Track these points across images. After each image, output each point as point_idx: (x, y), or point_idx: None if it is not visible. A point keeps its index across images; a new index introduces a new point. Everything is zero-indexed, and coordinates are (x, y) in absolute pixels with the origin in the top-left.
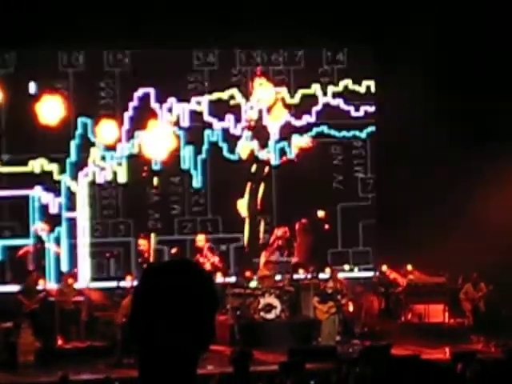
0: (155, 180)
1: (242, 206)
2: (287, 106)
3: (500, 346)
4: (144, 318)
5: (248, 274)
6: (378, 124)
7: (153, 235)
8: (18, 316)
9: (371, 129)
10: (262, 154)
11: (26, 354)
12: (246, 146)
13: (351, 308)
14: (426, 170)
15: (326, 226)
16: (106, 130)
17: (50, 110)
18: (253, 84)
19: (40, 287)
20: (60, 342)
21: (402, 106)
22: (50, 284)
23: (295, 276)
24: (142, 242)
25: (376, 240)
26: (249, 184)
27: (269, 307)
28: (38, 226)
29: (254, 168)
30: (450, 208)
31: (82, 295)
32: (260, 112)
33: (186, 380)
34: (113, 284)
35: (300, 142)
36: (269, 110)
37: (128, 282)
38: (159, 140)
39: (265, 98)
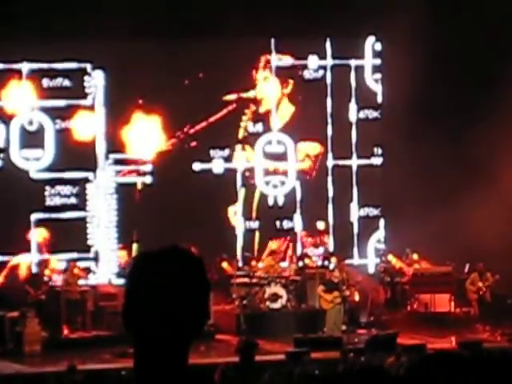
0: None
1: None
2: (294, 102)
3: (506, 335)
4: (136, 305)
5: (254, 263)
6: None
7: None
8: (25, 305)
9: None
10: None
11: (32, 343)
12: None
13: (357, 298)
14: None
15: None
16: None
17: None
18: (256, 77)
19: (45, 278)
20: (66, 331)
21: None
22: (56, 275)
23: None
24: (121, 254)
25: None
26: (243, 190)
27: (275, 297)
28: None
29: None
30: (455, 197)
31: (87, 285)
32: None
33: (178, 365)
34: None
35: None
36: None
37: None
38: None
39: (269, 96)
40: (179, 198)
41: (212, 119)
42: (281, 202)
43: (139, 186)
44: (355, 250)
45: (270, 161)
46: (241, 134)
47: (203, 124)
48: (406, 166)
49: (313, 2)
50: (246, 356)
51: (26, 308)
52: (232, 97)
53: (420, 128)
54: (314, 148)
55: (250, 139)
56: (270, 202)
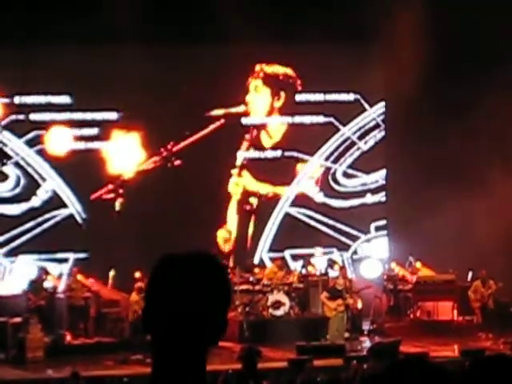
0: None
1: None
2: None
3: (509, 343)
4: (157, 309)
5: (257, 270)
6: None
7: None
8: (27, 312)
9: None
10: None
11: (35, 349)
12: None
13: (360, 305)
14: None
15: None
16: None
17: None
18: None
19: (49, 284)
20: (69, 337)
21: None
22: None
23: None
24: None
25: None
26: (237, 216)
27: (277, 304)
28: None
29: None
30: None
31: (90, 292)
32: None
33: (196, 373)
34: None
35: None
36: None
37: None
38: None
39: (259, 107)
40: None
41: (197, 136)
42: None
43: (117, 208)
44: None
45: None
46: (239, 161)
47: (187, 141)
48: (408, 175)
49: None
50: (249, 363)
51: (29, 314)
52: (219, 112)
53: (422, 133)
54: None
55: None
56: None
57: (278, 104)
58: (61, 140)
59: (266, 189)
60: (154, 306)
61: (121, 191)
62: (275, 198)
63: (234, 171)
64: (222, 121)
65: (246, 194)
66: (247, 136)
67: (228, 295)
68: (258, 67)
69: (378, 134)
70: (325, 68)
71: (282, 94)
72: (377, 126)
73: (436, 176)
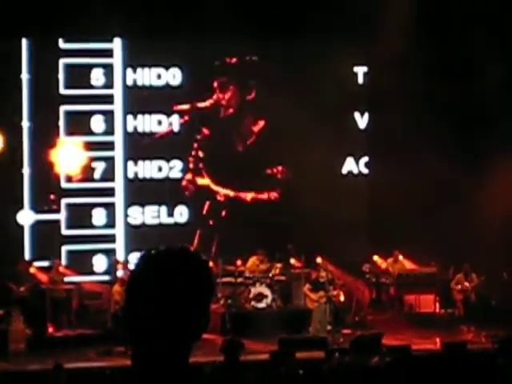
0: None
1: None
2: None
3: (490, 336)
4: (139, 304)
5: (239, 262)
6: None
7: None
8: (9, 303)
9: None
10: None
11: (17, 341)
12: None
13: (342, 298)
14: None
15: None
16: None
17: None
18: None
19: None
20: (51, 329)
21: None
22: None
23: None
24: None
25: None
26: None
27: (260, 296)
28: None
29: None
30: (442, 200)
31: (72, 283)
32: None
33: (179, 367)
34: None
35: None
36: None
37: (119, 271)
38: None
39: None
40: None
41: (161, 133)
42: None
43: None
44: None
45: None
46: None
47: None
48: (391, 173)
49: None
50: (231, 356)
51: (11, 306)
52: (184, 107)
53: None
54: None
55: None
56: None
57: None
58: None
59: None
60: (134, 302)
61: None
62: None
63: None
64: (186, 118)
65: None
66: None
67: (210, 291)
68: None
69: None
70: None
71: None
72: None
73: (421, 169)
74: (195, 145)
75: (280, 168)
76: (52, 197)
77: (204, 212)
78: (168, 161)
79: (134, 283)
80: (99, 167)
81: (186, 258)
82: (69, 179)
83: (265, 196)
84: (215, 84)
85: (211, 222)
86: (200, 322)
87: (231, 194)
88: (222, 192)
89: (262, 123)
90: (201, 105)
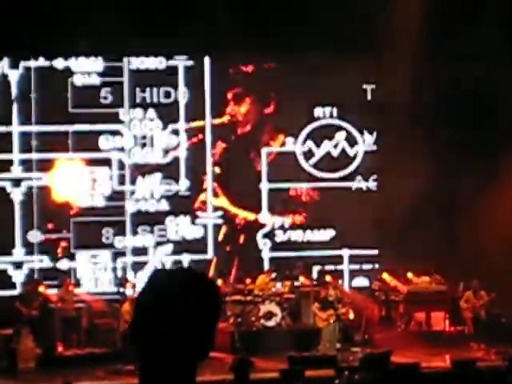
0: None
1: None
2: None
3: (500, 353)
4: (146, 323)
5: (248, 281)
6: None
7: None
8: (19, 322)
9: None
10: None
11: (27, 360)
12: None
13: (352, 316)
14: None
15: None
16: None
17: None
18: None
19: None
20: (60, 348)
21: None
22: (50, 291)
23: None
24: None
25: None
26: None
27: (269, 314)
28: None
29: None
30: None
31: (82, 302)
32: None
33: None
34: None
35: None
36: None
37: (128, 290)
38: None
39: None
40: None
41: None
42: None
43: None
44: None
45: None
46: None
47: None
48: (399, 187)
49: None
50: (241, 374)
51: (21, 325)
52: (199, 124)
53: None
54: None
55: None
56: None
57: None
58: None
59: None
60: (141, 320)
61: None
62: None
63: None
64: (201, 136)
65: None
66: None
67: (216, 312)
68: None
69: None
70: None
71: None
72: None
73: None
74: (211, 159)
75: (304, 189)
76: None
77: (219, 239)
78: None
79: (141, 301)
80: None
81: (193, 276)
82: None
83: (289, 220)
84: (229, 95)
85: (228, 248)
86: (206, 341)
87: (251, 217)
88: (242, 215)
89: (281, 138)
90: (216, 121)
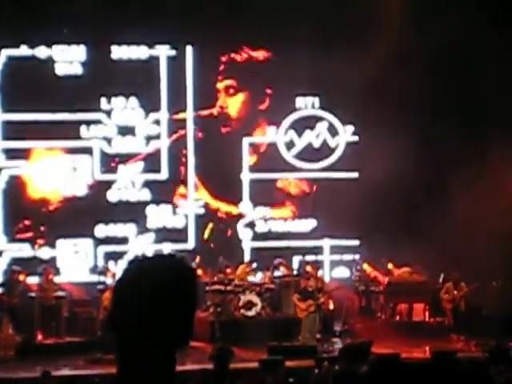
0: None
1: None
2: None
3: (480, 344)
4: (124, 312)
5: (229, 270)
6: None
7: None
8: None
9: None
10: None
11: (6, 348)
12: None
13: (332, 306)
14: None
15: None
16: None
17: None
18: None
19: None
20: (40, 337)
21: None
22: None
23: (276, 273)
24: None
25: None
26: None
27: (249, 304)
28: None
29: None
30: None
31: (62, 291)
32: None
33: (164, 376)
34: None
35: None
36: None
37: (108, 279)
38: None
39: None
40: None
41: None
42: None
43: None
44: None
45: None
46: None
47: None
48: (381, 177)
49: None
50: (221, 364)
51: (1, 313)
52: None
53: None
54: None
55: None
56: None
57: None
58: None
59: None
60: (120, 307)
61: None
62: None
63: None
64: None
65: None
66: None
67: (194, 299)
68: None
69: None
70: None
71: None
72: None
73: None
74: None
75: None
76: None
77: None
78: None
79: (119, 288)
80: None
81: (171, 264)
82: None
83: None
84: (220, 86)
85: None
86: (185, 328)
87: (233, 210)
88: (224, 209)
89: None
90: (204, 113)
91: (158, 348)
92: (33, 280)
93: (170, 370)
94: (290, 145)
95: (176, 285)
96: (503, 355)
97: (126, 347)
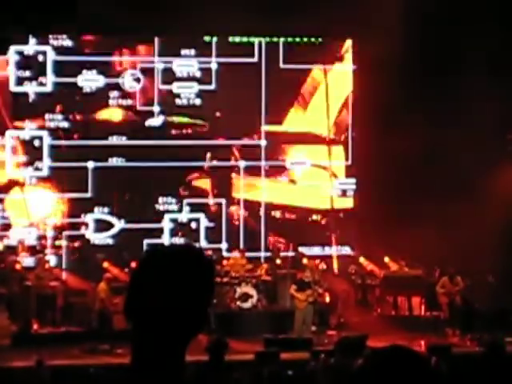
0: None
1: None
2: None
3: (475, 339)
4: (143, 300)
5: (225, 262)
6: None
7: None
8: None
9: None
10: None
11: (2, 337)
12: None
13: (328, 299)
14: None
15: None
16: None
17: None
18: None
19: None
20: (36, 326)
21: None
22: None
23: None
24: None
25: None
26: None
27: (245, 296)
28: None
29: None
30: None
31: (58, 280)
32: None
33: (178, 364)
34: None
35: None
36: None
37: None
38: None
39: None
40: None
41: None
42: None
43: None
44: None
45: None
46: None
47: None
48: (378, 169)
49: None
50: (216, 355)
51: None
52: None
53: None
54: None
55: None
56: None
57: None
58: None
59: None
60: (136, 294)
61: None
62: None
63: None
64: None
65: None
66: None
67: (211, 290)
68: None
69: None
70: None
71: None
72: None
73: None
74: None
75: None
76: None
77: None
78: None
79: (138, 277)
80: None
81: (189, 254)
82: None
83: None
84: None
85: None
86: (201, 317)
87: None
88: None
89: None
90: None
91: (174, 336)
92: (29, 269)
93: (183, 358)
94: None
95: (195, 275)
96: (498, 350)
97: (142, 335)
